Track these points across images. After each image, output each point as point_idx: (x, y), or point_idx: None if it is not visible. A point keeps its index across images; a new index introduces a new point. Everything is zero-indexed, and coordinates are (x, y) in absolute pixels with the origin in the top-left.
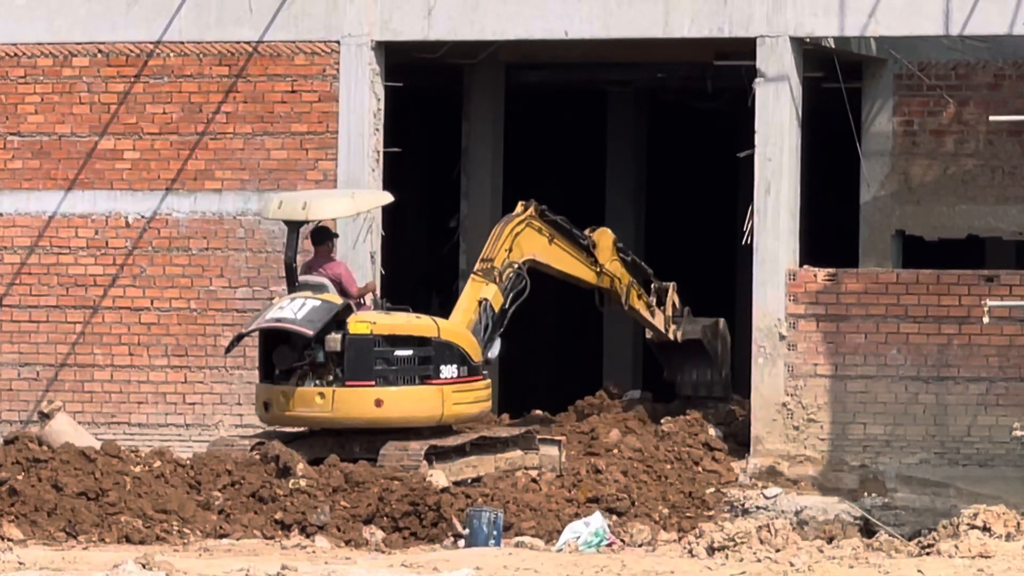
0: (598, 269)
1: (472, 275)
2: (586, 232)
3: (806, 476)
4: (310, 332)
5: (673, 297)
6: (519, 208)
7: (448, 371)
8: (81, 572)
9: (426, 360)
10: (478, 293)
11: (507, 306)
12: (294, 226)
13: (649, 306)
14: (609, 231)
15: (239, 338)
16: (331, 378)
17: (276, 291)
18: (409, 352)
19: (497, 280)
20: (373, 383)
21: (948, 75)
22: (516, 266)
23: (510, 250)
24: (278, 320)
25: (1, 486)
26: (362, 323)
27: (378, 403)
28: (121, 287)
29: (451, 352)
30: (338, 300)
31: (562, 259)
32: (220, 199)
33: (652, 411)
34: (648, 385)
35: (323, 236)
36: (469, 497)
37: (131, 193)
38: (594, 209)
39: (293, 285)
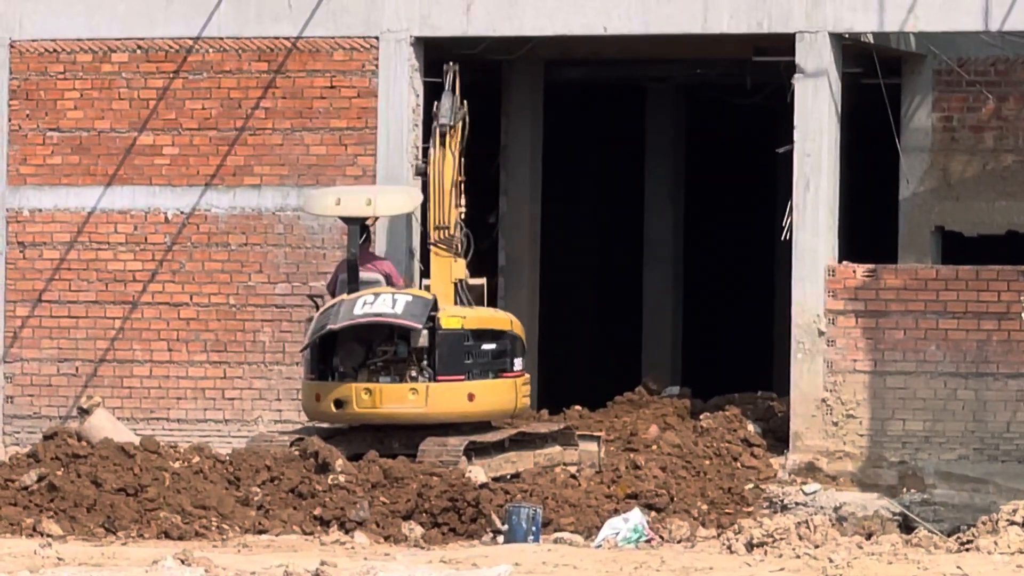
0: None
1: (433, 248)
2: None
3: (845, 472)
4: (418, 326)
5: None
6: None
7: (518, 363)
8: (120, 568)
9: (502, 353)
10: (449, 272)
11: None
12: (357, 222)
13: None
14: None
15: (327, 335)
16: (413, 373)
17: (315, 287)
18: (492, 346)
19: (459, 251)
20: (464, 377)
21: (987, 71)
22: (465, 229)
23: (457, 205)
24: (378, 315)
25: (40, 482)
26: (454, 317)
27: (470, 397)
28: (160, 283)
29: (519, 345)
30: (428, 295)
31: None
32: (259, 195)
33: (691, 407)
34: (687, 381)
35: (366, 233)
36: (508, 493)
37: (170, 189)
38: (633, 204)
39: (356, 281)
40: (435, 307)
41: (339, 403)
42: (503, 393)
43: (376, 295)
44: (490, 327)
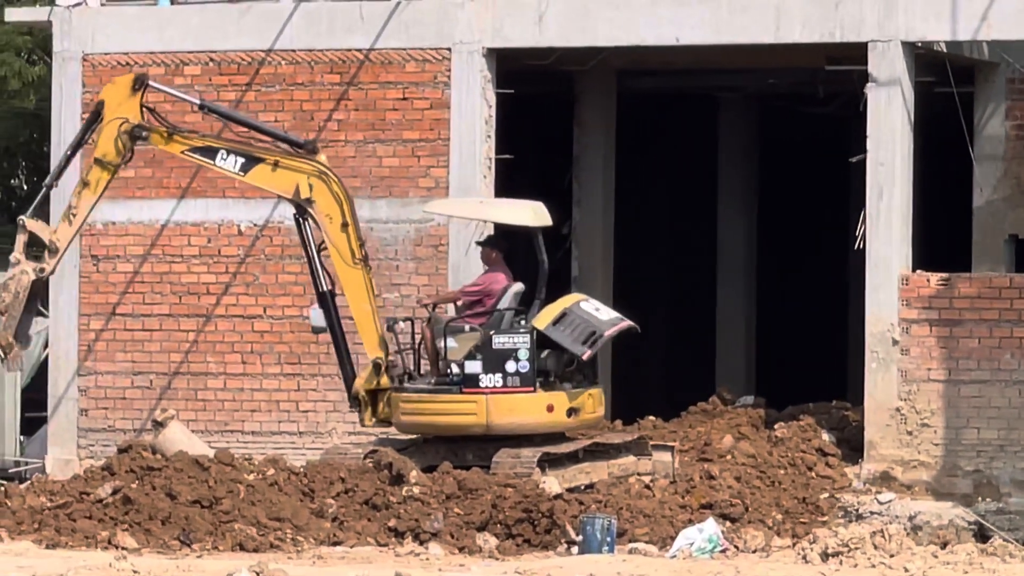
0: None
1: (355, 264)
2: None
3: (920, 481)
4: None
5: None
6: (324, 159)
7: None
8: None
9: None
10: (371, 287)
11: None
12: (543, 232)
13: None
14: None
15: (602, 343)
16: (581, 379)
17: (388, 298)
18: None
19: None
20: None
21: None
22: None
23: None
24: (622, 319)
25: (115, 495)
26: None
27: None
28: (234, 295)
29: None
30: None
31: None
32: None
33: (765, 416)
34: (761, 390)
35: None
36: (582, 504)
37: (243, 201)
38: (706, 214)
39: (543, 292)
40: None
41: (572, 411)
42: None
43: (588, 301)
44: None
